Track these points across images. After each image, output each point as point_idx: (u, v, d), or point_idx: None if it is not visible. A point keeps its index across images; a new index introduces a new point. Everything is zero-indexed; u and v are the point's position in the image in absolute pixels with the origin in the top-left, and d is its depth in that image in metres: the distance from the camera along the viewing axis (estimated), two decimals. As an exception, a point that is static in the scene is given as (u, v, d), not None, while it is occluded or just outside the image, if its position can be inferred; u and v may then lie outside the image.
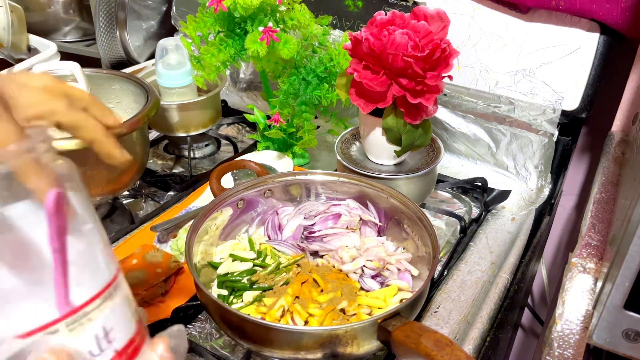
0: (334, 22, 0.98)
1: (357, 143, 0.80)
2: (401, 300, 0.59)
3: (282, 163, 0.87)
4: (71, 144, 0.66)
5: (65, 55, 1.02)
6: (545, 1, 0.77)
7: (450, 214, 0.81)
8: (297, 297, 0.58)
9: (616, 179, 0.69)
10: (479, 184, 0.87)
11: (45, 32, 1.24)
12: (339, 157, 0.76)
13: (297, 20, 0.78)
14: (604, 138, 0.81)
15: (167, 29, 1.27)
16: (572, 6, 0.76)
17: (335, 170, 0.74)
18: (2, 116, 0.33)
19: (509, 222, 0.84)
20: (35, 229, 0.29)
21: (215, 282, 0.63)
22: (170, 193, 0.86)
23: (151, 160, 0.97)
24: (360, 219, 0.69)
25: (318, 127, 1.03)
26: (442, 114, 0.93)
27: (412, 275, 0.63)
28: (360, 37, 0.64)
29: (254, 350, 0.55)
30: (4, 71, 0.91)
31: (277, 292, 0.59)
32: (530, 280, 0.92)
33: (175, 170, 0.95)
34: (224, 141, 1.03)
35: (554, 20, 0.80)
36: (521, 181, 0.90)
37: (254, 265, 0.64)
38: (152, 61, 1.00)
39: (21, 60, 0.94)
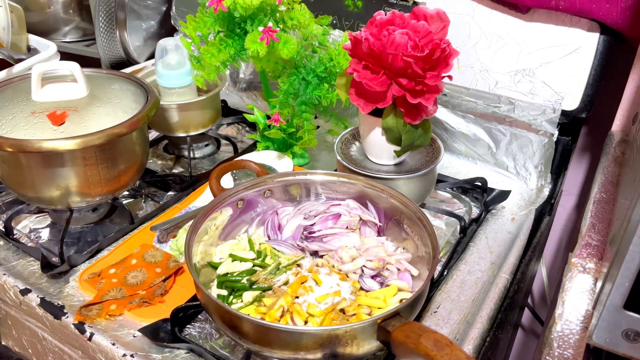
0: (334, 22, 0.98)
1: (357, 143, 0.80)
2: (401, 301, 0.59)
3: (282, 163, 0.87)
4: (71, 144, 0.67)
5: (65, 55, 1.02)
6: (545, 1, 0.77)
7: (450, 214, 0.81)
8: (296, 297, 0.58)
9: (616, 179, 0.69)
10: (479, 184, 0.87)
11: (45, 32, 1.23)
12: (338, 157, 0.76)
13: (297, 20, 0.78)
14: (604, 138, 0.81)
15: (167, 29, 1.27)
16: (572, 6, 0.76)
17: (335, 170, 0.74)
18: None
19: (508, 222, 0.84)
20: None
21: (215, 282, 0.63)
22: (170, 193, 0.86)
23: (151, 160, 0.97)
24: (360, 219, 0.69)
25: (318, 127, 1.03)
26: (442, 114, 0.93)
27: (412, 276, 0.63)
28: (360, 37, 0.64)
29: (253, 351, 0.55)
30: (4, 71, 0.91)
31: (276, 292, 0.59)
32: (530, 280, 0.92)
33: (175, 170, 0.95)
34: (223, 141, 1.03)
35: (554, 20, 0.80)
36: (521, 181, 0.90)
37: (254, 266, 0.64)
38: (152, 61, 1.00)
39: (21, 60, 0.94)
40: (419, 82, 0.64)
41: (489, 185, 0.87)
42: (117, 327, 0.63)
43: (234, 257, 0.64)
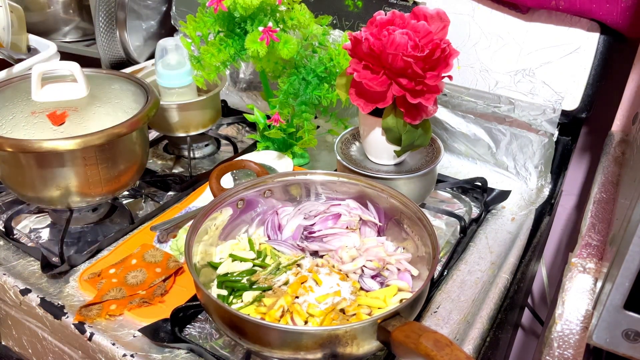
0: (334, 22, 0.98)
1: (357, 143, 0.80)
2: (401, 301, 0.59)
3: (282, 163, 0.87)
4: (71, 144, 0.67)
5: (65, 55, 1.02)
6: (545, 1, 0.77)
7: (450, 214, 0.81)
8: (296, 297, 0.58)
9: (616, 179, 0.69)
10: (479, 184, 0.87)
11: (45, 32, 1.23)
12: (338, 157, 0.76)
13: (297, 20, 0.78)
14: (604, 138, 0.81)
15: (167, 29, 1.27)
16: (572, 6, 0.76)
17: (335, 170, 0.74)
18: None
19: (508, 222, 0.84)
20: None
21: (215, 282, 0.63)
22: (170, 193, 0.86)
23: (151, 160, 0.97)
24: (360, 219, 0.69)
25: (318, 127, 1.03)
26: (442, 114, 0.93)
27: (412, 275, 0.63)
28: (360, 37, 0.64)
29: (253, 351, 0.55)
30: (4, 71, 0.91)
31: (276, 292, 0.59)
32: (530, 280, 0.92)
33: (175, 170, 0.95)
34: (223, 141, 1.03)
35: (554, 20, 0.80)
36: (521, 181, 0.90)
37: (254, 266, 0.64)
38: (152, 61, 1.00)
39: (21, 60, 0.94)
40: (419, 82, 0.64)
41: (489, 185, 0.87)
42: (117, 327, 0.63)
43: (234, 257, 0.64)
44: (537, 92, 0.82)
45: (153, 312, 0.64)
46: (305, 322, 0.55)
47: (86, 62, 0.92)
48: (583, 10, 0.76)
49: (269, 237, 0.70)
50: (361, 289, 0.62)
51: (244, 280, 0.61)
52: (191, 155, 0.95)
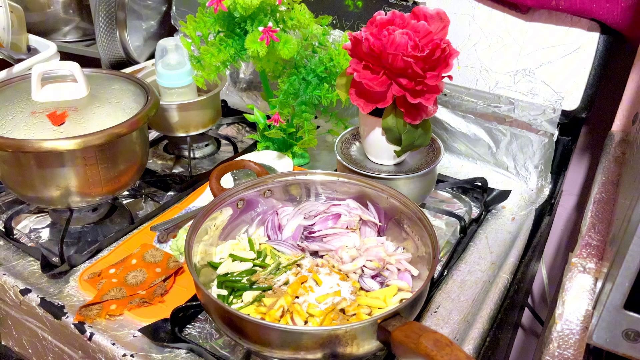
0: (334, 22, 0.98)
1: (357, 143, 0.80)
2: (401, 300, 0.59)
3: (282, 163, 0.87)
4: (71, 144, 0.67)
5: (65, 55, 1.02)
6: (545, 1, 0.77)
7: (450, 214, 0.81)
8: (296, 297, 0.58)
9: (616, 178, 0.69)
10: (479, 184, 0.87)
11: (45, 32, 1.23)
12: (339, 157, 0.76)
13: (297, 20, 0.78)
14: (604, 138, 0.81)
15: (167, 29, 1.27)
16: (572, 6, 0.76)
17: (335, 170, 0.74)
18: None
19: (509, 222, 0.83)
20: None
21: (215, 282, 0.63)
22: (170, 193, 0.86)
23: (151, 160, 0.97)
24: (360, 219, 0.69)
25: (318, 127, 1.03)
26: (442, 114, 0.93)
27: (412, 275, 0.63)
28: (360, 37, 0.64)
29: (253, 351, 0.55)
30: (4, 71, 0.91)
31: (276, 292, 0.59)
32: (530, 280, 0.93)
33: (175, 170, 0.95)
34: (223, 141, 1.03)
35: (554, 20, 0.80)
36: (521, 181, 0.90)
37: (254, 266, 0.64)
38: (152, 61, 1.00)
39: (21, 60, 0.94)
40: (419, 82, 0.64)
41: (489, 185, 0.87)
42: (117, 327, 0.63)
43: (234, 257, 0.64)
44: (537, 92, 0.82)
45: (153, 312, 0.64)
46: (305, 322, 0.55)
47: (86, 62, 0.92)
48: (583, 10, 0.76)
49: (269, 237, 0.70)
50: (361, 289, 0.62)
51: (244, 280, 0.61)
52: (191, 155, 0.95)
